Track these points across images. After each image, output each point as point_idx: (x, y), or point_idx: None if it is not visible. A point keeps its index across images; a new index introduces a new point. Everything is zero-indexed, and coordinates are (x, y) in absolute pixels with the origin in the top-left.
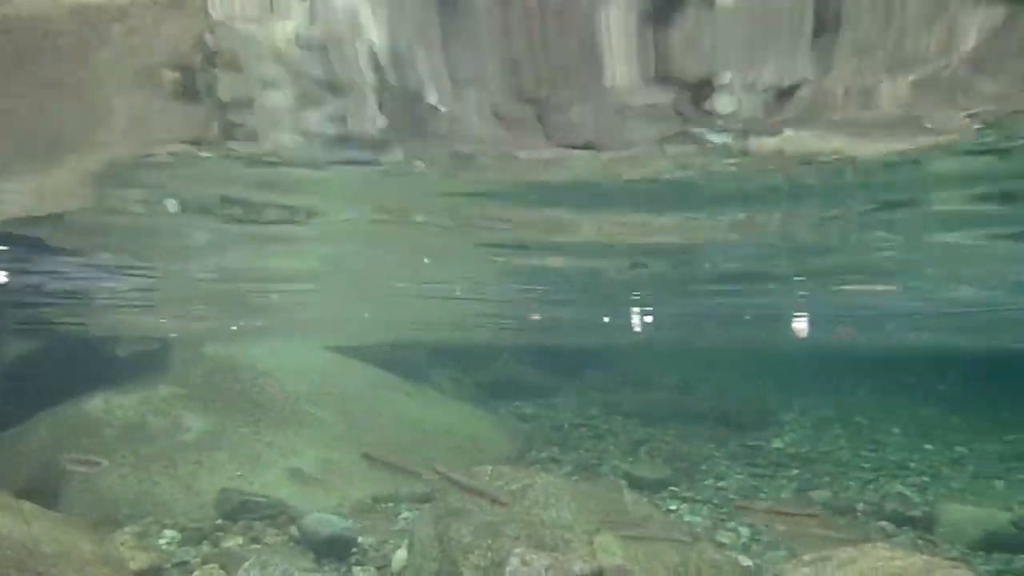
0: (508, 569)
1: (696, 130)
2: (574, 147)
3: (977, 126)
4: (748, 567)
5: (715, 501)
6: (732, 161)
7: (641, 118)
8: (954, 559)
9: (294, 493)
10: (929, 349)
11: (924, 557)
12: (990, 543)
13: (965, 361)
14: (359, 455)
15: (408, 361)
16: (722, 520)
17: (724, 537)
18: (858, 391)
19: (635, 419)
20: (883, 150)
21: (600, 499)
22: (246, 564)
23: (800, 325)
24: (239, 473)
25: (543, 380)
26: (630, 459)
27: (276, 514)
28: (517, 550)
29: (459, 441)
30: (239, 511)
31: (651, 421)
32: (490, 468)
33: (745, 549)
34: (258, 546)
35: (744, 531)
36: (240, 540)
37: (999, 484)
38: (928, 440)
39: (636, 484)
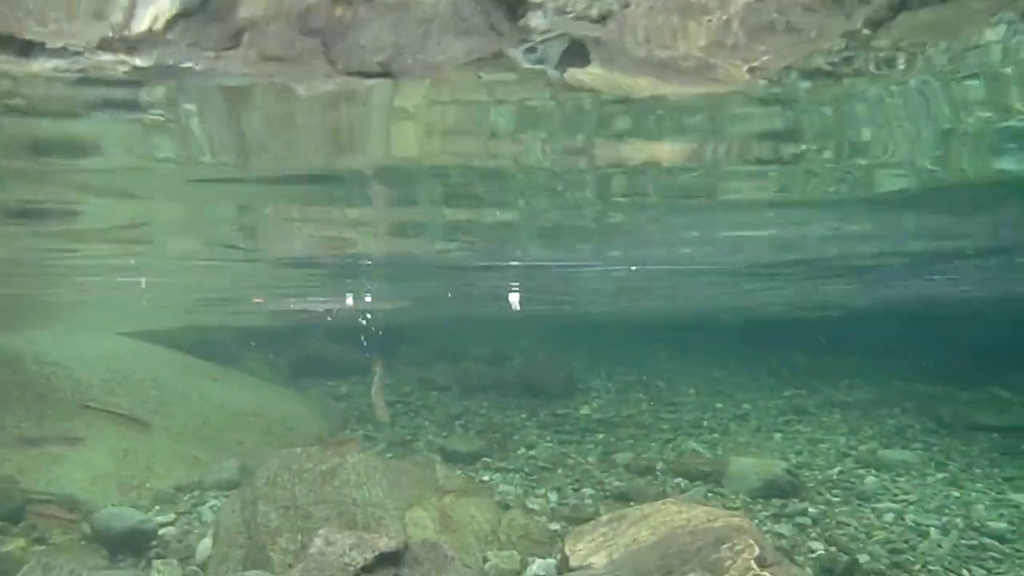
0: (311, 551)
1: (512, 53)
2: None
3: (762, 81)
4: (555, 530)
5: (526, 470)
6: (549, 95)
7: (449, 32)
8: (736, 508)
9: (86, 487)
10: (721, 314)
11: (706, 508)
12: (769, 491)
13: (750, 324)
14: (165, 442)
15: (214, 344)
16: (532, 487)
17: (534, 504)
18: (659, 356)
19: (450, 393)
20: (687, 93)
21: (413, 475)
22: (25, 568)
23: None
24: (20, 471)
25: (357, 359)
26: (445, 433)
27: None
28: (321, 531)
29: (268, 423)
30: (21, 511)
31: (466, 394)
32: (299, 450)
33: (553, 514)
34: (43, 547)
35: (553, 496)
36: (22, 542)
37: (778, 436)
38: (719, 399)
39: (451, 458)
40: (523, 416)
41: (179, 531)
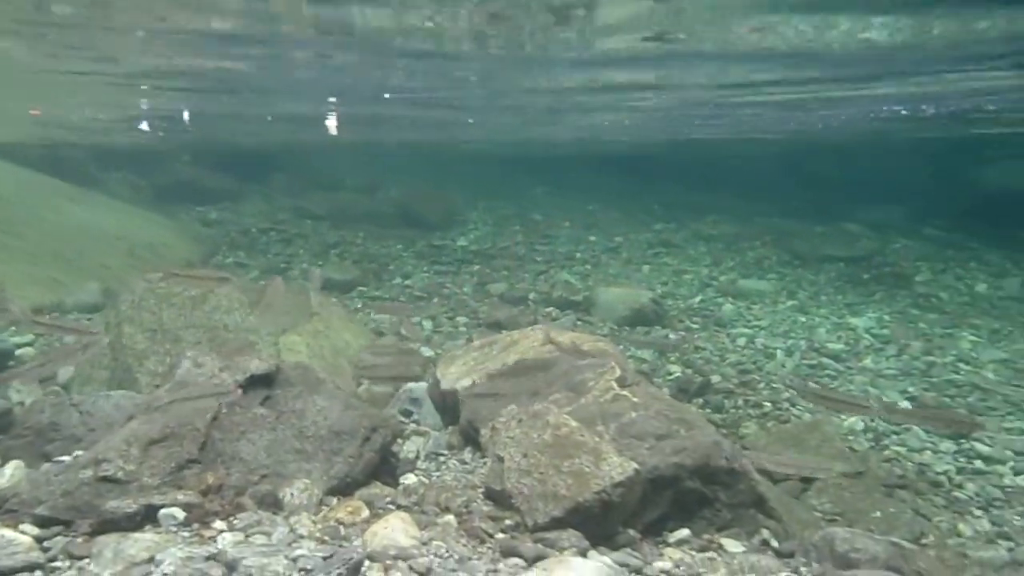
0: (179, 371)
1: None
2: None
3: None
4: (430, 356)
5: (402, 299)
6: None
7: None
8: (603, 335)
9: None
10: (597, 149)
11: (574, 334)
12: (634, 319)
13: (627, 160)
14: (20, 264)
15: (70, 162)
16: (408, 316)
17: (407, 330)
18: (536, 190)
19: (326, 222)
20: None
21: (287, 301)
22: None
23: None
24: None
25: (228, 184)
26: (320, 262)
27: None
28: (189, 352)
29: (134, 247)
30: None
31: (341, 224)
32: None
33: (428, 341)
34: None
35: (428, 324)
36: None
37: (646, 268)
38: (592, 232)
39: (327, 286)
40: (399, 247)
41: (38, 352)
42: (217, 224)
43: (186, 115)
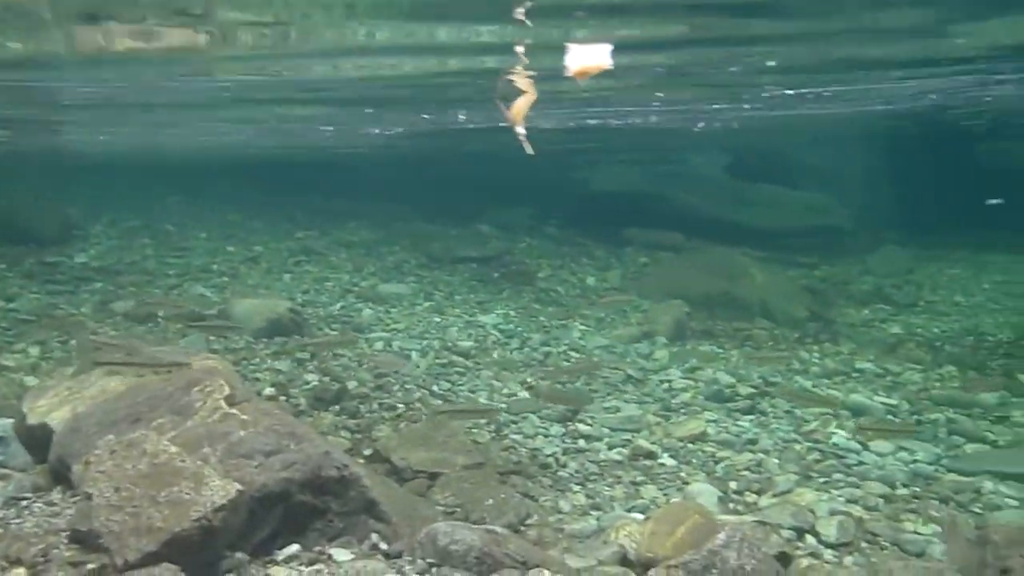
0: None
1: None
2: None
3: None
4: (33, 386)
5: (3, 324)
6: None
7: None
8: (240, 348)
9: None
10: (238, 157)
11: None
12: (272, 330)
13: (269, 168)
14: None
15: None
16: (9, 343)
17: (9, 360)
18: (169, 200)
19: None
20: None
21: None
22: None
23: None
24: None
25: None
26: None
27: None
28: None
29: None
30: None
31: None
32: None
33: (34, 369)
34: None
35: (34, 351)
36: None
37: (287, 277)
38: (231, 243)
39: None
40: (2, 267)
41: None
42: None
43: None
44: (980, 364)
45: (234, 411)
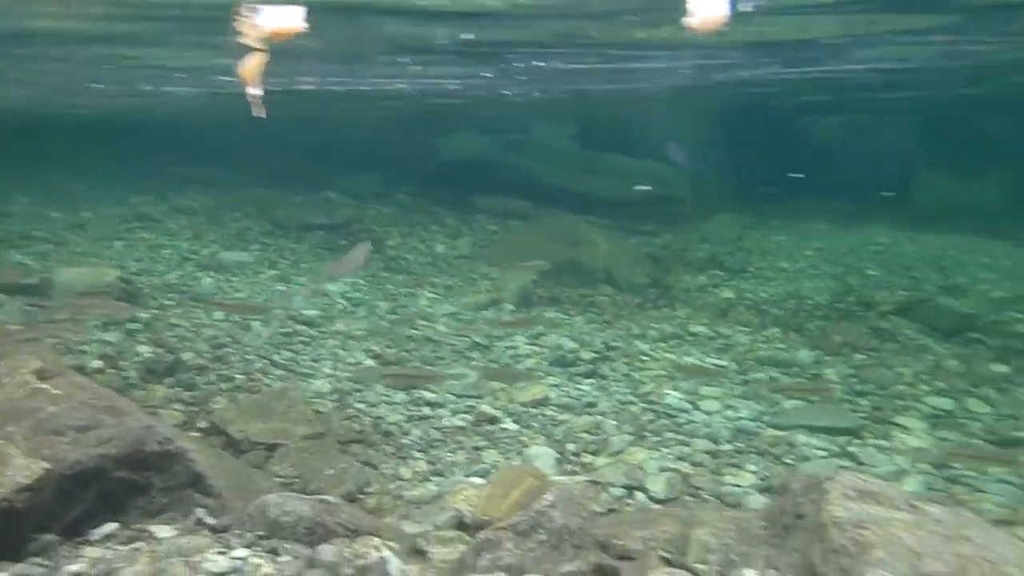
0: None
1: None
2: None
3: None
4: None
5: None
6: None
7: None
8: (63, 319)
9: None
10: (55, 117)
11: None
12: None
13: (97, 127)
14: None
15: None
16: None
17: None
18: None
19: None
20: None
21: None
22: None
23: None
24: None
25: None
26: None
27: None
28: None
29: None
30: None
31: None
32: None
33: None
34: None
35: None
36: None
37: (119, 245)
38: (56, 208)
39: None
40: None
41: None
42: None
43: None
44: (799, 326)
45: (45, 386)
